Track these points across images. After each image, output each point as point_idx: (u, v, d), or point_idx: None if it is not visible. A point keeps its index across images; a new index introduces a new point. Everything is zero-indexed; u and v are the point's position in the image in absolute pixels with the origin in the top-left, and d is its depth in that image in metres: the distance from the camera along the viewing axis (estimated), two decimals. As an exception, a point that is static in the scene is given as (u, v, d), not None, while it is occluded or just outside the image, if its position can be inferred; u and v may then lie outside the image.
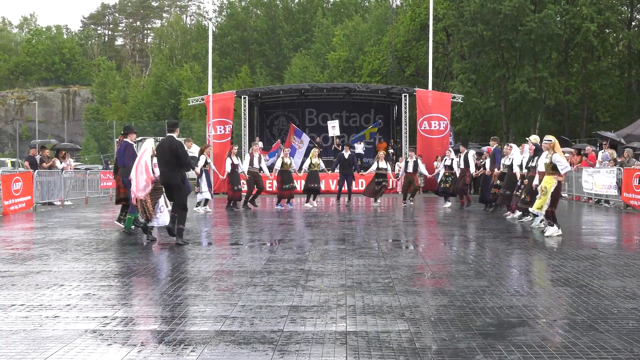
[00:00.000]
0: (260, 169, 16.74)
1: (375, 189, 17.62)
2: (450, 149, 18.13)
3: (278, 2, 67.30)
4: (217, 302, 5.50)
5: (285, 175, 16.65)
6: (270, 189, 21.13)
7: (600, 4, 32.38)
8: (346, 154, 18.14)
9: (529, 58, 33.06)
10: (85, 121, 70.17)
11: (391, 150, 26.86)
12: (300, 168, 18.79)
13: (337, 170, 19.64)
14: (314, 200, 17.49)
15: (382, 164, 17.73)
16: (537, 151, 11.59)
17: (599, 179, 17.31)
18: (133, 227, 10.75)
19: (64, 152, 20.80)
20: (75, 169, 23.60)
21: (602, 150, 19.02)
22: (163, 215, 9.86)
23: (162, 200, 10.05)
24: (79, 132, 70.53)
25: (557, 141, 10.28)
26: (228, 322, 4.83)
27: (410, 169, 17.59)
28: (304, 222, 12.94)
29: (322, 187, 18.96)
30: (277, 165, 16.99)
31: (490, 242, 9.52)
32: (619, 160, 17.35)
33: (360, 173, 20.18)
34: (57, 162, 19.25)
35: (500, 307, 5.26)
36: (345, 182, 18.22)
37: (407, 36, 42.34)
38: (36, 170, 17.30)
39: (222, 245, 9.36)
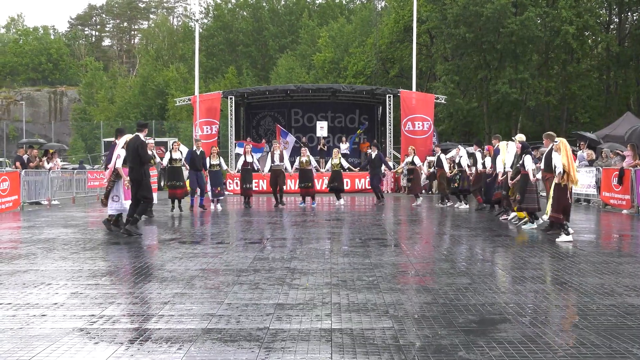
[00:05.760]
0: (285, 168, 17.10)
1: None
2: (459, 147, 17.34)
3: (264, 4, 67.09)
4: (204, 300, 5.55)
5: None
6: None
7: (580, 7, 32.75)
8: (374, 153, 18.35)
9: (510, 60, 33.27)
10: (73, 121, 69.56)
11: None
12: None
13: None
14: (339, 199, 17.69)
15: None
16: (524, 149, 11.67)
17: (579, 179, 17.47)
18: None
19: (51, 151, 20.79)
20: (62, 168, 23.54)
21: (581, 151, 19.26)
22: (116, 205, 10.68)
23: (118, 191, 10.65)
24: (66, 132, 69.97)
25: (564, 142, 9.54)
26: (214, 320, 4.87)
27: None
28: (291, 221, 12.98)
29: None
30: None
31: (472, 240, 9.63)
32: (599, 161, 17.53)
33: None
34: (45, 163, 19.23)
35: (483, 304, 5.35)
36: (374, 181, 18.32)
37: (391, 38, 42.43)
38: (23, 170, 17.24)
39: (208, 244, 9.39)
